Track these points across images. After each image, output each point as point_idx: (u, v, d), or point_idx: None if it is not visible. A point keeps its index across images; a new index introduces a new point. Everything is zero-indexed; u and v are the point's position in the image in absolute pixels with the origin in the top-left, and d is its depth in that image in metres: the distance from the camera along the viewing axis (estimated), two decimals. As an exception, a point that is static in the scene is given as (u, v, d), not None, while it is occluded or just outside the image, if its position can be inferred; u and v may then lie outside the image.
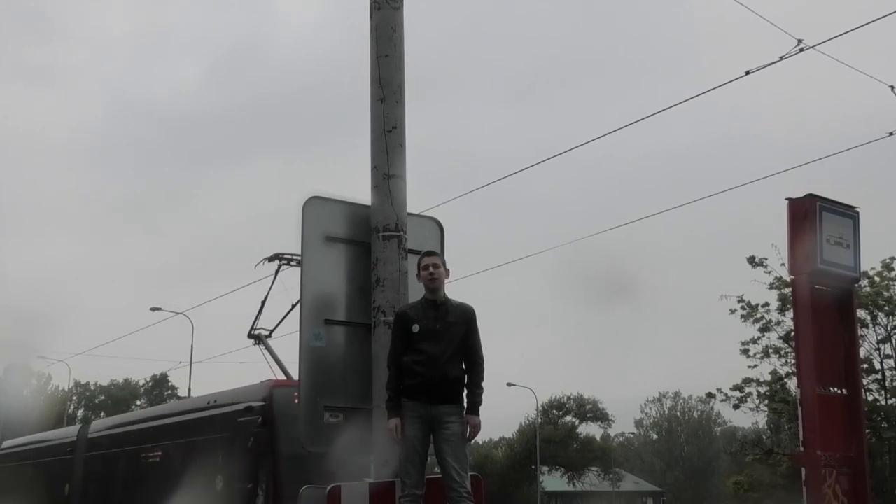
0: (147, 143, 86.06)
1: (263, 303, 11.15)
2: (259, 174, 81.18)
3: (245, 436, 9.31)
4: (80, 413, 64.64)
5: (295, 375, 7.70)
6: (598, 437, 60.87)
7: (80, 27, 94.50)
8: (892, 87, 10.85)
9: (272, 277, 10.82)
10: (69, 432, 15.44)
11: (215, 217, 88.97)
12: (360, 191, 6.14)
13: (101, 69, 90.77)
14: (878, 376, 23.17)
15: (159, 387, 62.70)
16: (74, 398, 65.36)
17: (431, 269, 5.65)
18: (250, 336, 11.30)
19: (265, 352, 11.14)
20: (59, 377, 67.85)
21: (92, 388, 67.53)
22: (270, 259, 10.75)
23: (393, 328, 5.66)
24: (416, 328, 5.52)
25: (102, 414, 56.85)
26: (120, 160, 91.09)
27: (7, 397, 48.29)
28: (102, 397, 67.08)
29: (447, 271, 5.78)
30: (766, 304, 23.78)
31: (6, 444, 18.01)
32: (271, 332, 11.25)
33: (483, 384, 5.64)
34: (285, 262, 10.75)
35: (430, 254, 5.80)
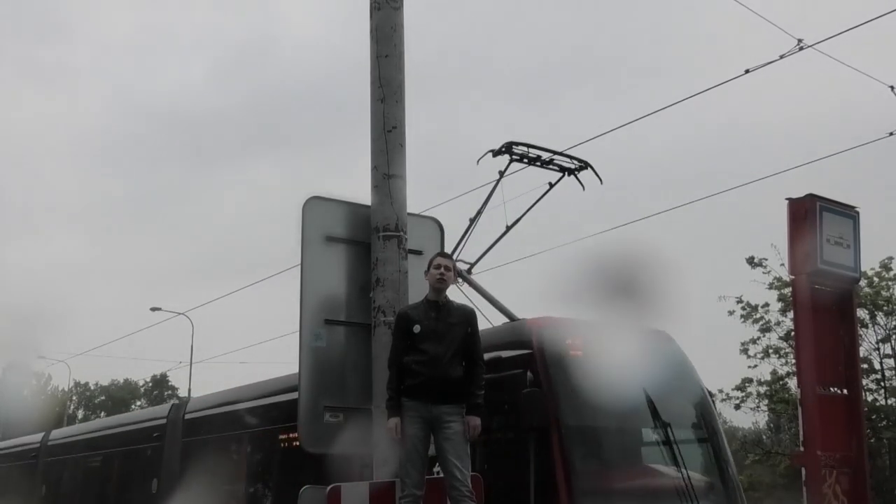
0: (149, 142, 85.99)
1: (474, 220, 8.54)
2: (260, 174, 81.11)
3: (507, 403, 6.53)
4: (80, 413, 64.59)
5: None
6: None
7: (85, 26, 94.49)
8: (892, 87, 10.85)
9: (493, 183, 8.48)
10: (154, 413, 12.97)
11: (217, 217, 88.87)
12: (361, 191, 6.15)
13: (106, 68, 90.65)
14: (878, 376, 23.13)
15: (159, 387, 62.62)
16: (74, 398, 65.29)
17: (443, 270, 5.69)
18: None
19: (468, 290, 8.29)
20: (59, 377, 67.86)
21: (92, 388, 67.52)
22: (497, 153, 8.31)
23: (394, 328, 5.68)
24: (417, 328, 5.54)
25: (102, 414, 56.77)
26: (122, 159, 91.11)
27: (7, 397, 48.18)
28: (102, 397, 67.04)
29: (455, 278, 5.85)
30: (766, 305, 23.76)
31: (55, 433, 16.08)
32: (472, 265, 8.67)
33: (483, 385, 5.64)
34: (517, 157, 8.35)
35: (445, 255, 5.93)
